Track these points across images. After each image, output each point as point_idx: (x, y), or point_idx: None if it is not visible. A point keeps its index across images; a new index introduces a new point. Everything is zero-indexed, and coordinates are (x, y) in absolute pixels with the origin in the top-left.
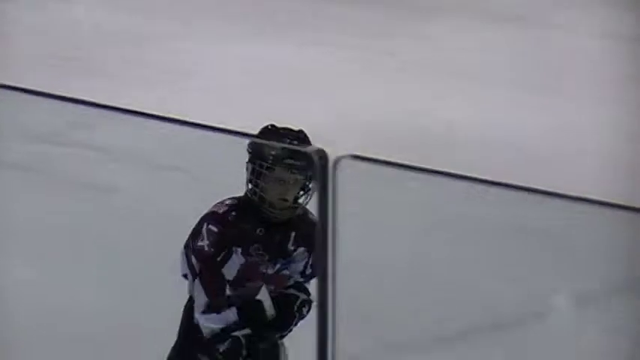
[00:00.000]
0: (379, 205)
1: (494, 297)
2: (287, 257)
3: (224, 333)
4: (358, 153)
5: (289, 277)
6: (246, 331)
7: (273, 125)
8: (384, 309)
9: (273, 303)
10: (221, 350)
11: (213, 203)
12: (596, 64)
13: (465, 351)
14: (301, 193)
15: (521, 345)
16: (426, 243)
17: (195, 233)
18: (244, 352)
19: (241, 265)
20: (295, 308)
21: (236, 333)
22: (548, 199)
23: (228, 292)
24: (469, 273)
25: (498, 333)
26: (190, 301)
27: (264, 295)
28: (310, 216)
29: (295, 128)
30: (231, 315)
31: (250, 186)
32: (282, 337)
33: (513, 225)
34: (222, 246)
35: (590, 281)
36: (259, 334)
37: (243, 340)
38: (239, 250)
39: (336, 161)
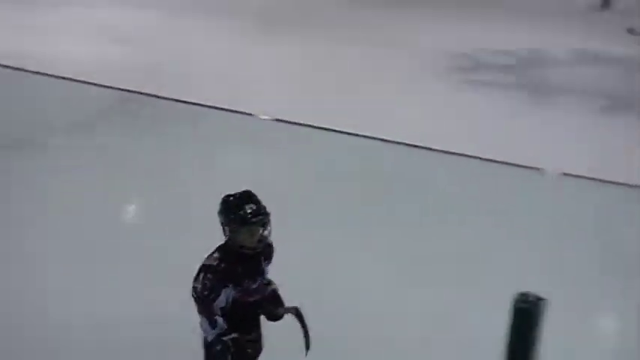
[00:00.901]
0: None
1: None
2: (263, 273)
3: (218, 338)
4: None
5: (265, 281)
6: (233, 335)
7: (228, 194)
8: None
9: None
10: (218, 348)
11: None
12: None
13: None
14: (262, 229)
15: None
16: None
17: (196, 278)
18: (232, 349)
19: (235, 294)
20: (280, 297)
21: (224, 338)
22: None
23: (220, 313)
24: None
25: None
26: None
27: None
28: (268, 240)
29: (241, 190)
30: (220, 326)
31: (231, 240)
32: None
33: None
34: (213, 289)
35: None
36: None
37: (230, 343)
38: (229, 288)
39: None
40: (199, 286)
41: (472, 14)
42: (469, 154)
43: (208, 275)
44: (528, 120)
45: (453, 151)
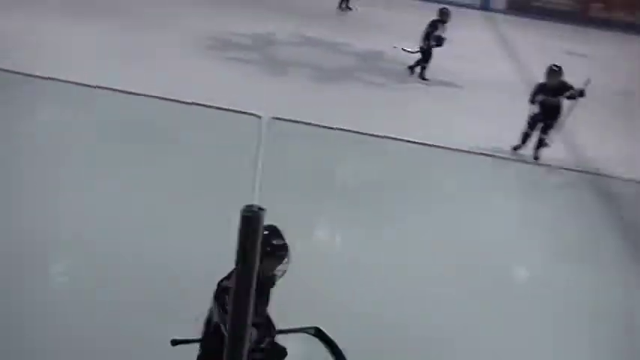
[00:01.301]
0: None
1: None
2: (269, 298)
3: (256, 346)
4: None
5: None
6: (268, 339)
7: None
8: None
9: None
10: (258, 357)
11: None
12: None
13: None
14: (280, 262)
15: None
16: None
17: (219, 302)
18: (271, 352)
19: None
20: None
21: (263, 345)
22: None
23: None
24: None
25: None
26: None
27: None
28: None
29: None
30: (254, 336)
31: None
32: None
33: None
34: None
35: None
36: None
37: (269, 347)
38: None
39: None
40: (228, 306)
41: (221, 5)
42: (221, 107)
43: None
44: (263, 84)
45: (209, 105)
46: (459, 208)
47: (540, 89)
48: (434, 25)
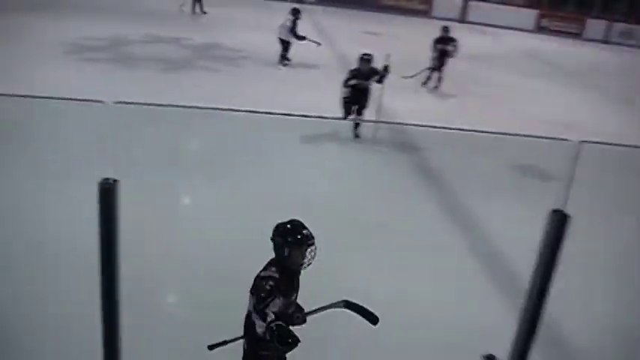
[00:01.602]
0: None
1: None
2: (299, 287)
3: (267, 326)
4: None
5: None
6: (278, 322)
7: (282, 223)
8: None
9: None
10: (268, 337)
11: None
12: None
13: None
14: (308, 250)
15: None
16: None
17: (257, 285)
18: (277, 333)
19: (283, 303)
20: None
21: (272, 325)
22: None
23: (274, 315)
24: None
25: None
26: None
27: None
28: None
29: (289, 218)
30: (270, 317)
31: (287, 259)
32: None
33: None
34: (271, 295)
35: None
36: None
37: (274, 327)
38: (282, 298)
39: None
40: (260, 289)
41: (67, 13)
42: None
43: (270, 282)
44: (116, 77)
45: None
46: (295, 164)
47: (354, 75)
48: (294, 23)
